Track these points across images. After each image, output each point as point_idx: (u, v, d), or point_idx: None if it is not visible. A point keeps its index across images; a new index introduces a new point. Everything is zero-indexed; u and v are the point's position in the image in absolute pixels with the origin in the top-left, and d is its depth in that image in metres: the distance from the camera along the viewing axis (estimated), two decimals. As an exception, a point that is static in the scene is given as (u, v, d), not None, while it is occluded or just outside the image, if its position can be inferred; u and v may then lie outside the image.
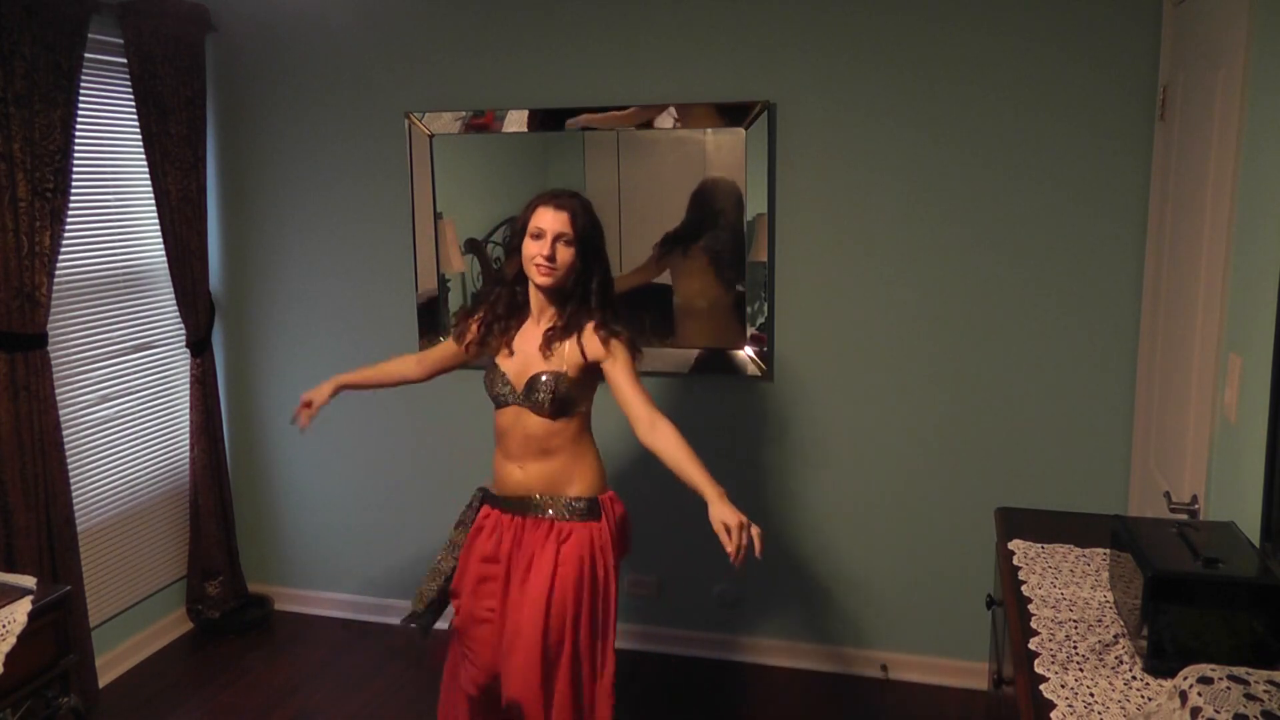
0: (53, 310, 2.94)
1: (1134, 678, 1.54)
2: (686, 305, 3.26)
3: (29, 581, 2.22)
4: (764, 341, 3.20)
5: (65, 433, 3.05)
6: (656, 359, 3.25)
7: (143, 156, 3.29)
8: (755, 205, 3.12)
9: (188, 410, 3.60)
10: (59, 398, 3.01)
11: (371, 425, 3.65)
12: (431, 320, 3.48)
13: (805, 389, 3.22)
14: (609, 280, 2.36)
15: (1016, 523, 2.21)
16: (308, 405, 2.60)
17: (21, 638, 2.08)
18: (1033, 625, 1.73)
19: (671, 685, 3.31)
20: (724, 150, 3.12)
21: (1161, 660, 1.51)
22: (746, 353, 3.22)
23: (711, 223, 3.18)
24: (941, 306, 3.07)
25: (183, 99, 3.36)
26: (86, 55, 2.96)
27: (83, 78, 2.93)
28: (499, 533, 2.38)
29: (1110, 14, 2.79)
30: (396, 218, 3.46)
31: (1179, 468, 2.27)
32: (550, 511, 2.32)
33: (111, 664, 3.35)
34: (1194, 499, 2.07)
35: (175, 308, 3.50)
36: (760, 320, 3.19)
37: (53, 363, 2.98)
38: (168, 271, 3.42)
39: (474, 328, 2.43)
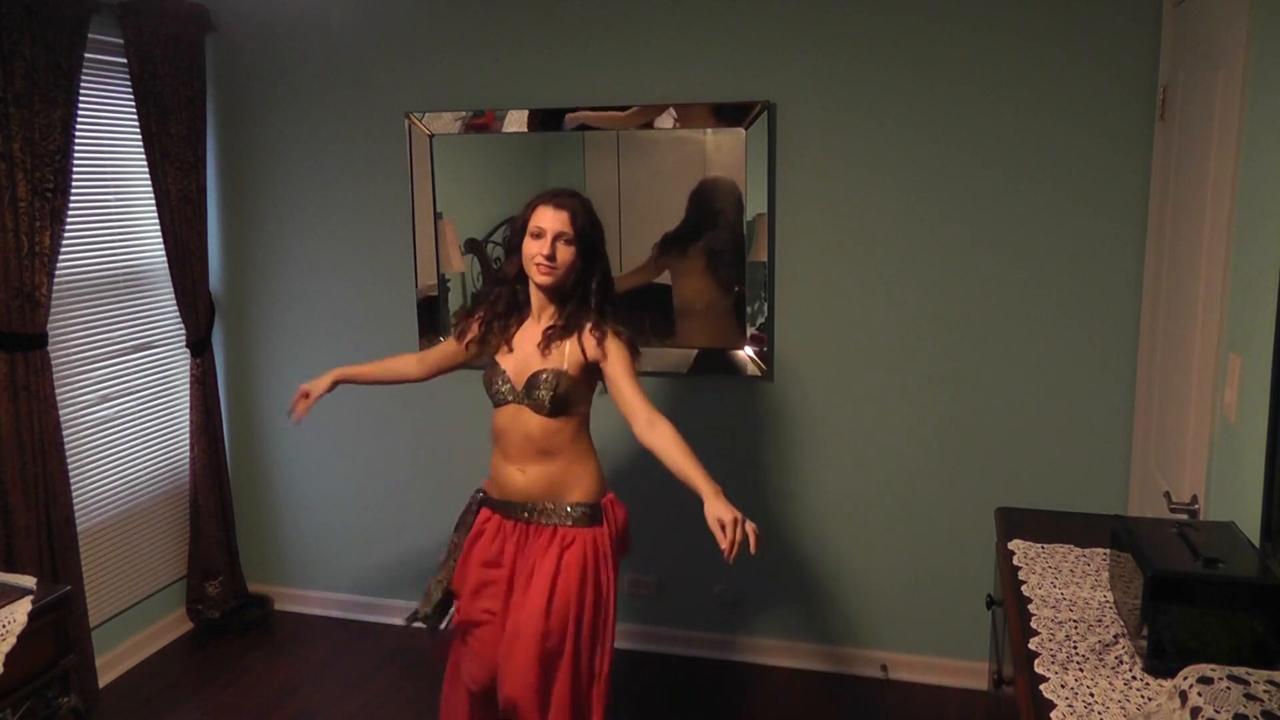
0: (53, 310, 2.94)
1: (1134, 678, 1.54)
2: (686, 305, 3.26)
3: (29, 581, 2.22)
4: (764, 341, 3.20)
5: (65, 433, 3.05)
6: (656, 359, 3.25)
7: (143, 156, 3.29)
8: (755, 205, 3.12)
9: (188, 410, 3.61)
10: (59, 398, 3.01)
11: (371, 425, 3.65)
12: (431, 320, 3.48)
13: (805, 389, 3.22)
14: (609, 279, 2.36)
15: (1016, 523, 2.21)
16: (305, 396, 2.60)
17: (21, 638, 2.08)
18: (1033, 625, 1.73)
19: (671, 685, 3.31)
20: (724, 150, 3.12)
21: (1161, 660, 1.51)
22: (746, 353, 3.22)
23: (711, 223, 3.18)
24: (941, 306, 3.07)
25: (183, 99, 3.36)
26: (86, 55, 2.96)
27: (83, 78, 2.93)
28: (501, 538, 2.39)
29: (1110, 14, 2.79)
30: (396, 218, 3.46)
31: (1179, 468, 2.27)
32: (553, 518, 2.33)
33: (111, 664, 3.35)
34: (1194, 499, 2.07)
35: (175, 308, 3.50)
36: (760, 320, 3.19)
37: (53, 363, 2.98)
38: (168, 271, 3.42)
39: (475, 326, 2.44)
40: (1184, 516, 2.01)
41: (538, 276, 2.28)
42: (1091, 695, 1.50)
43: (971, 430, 3.11)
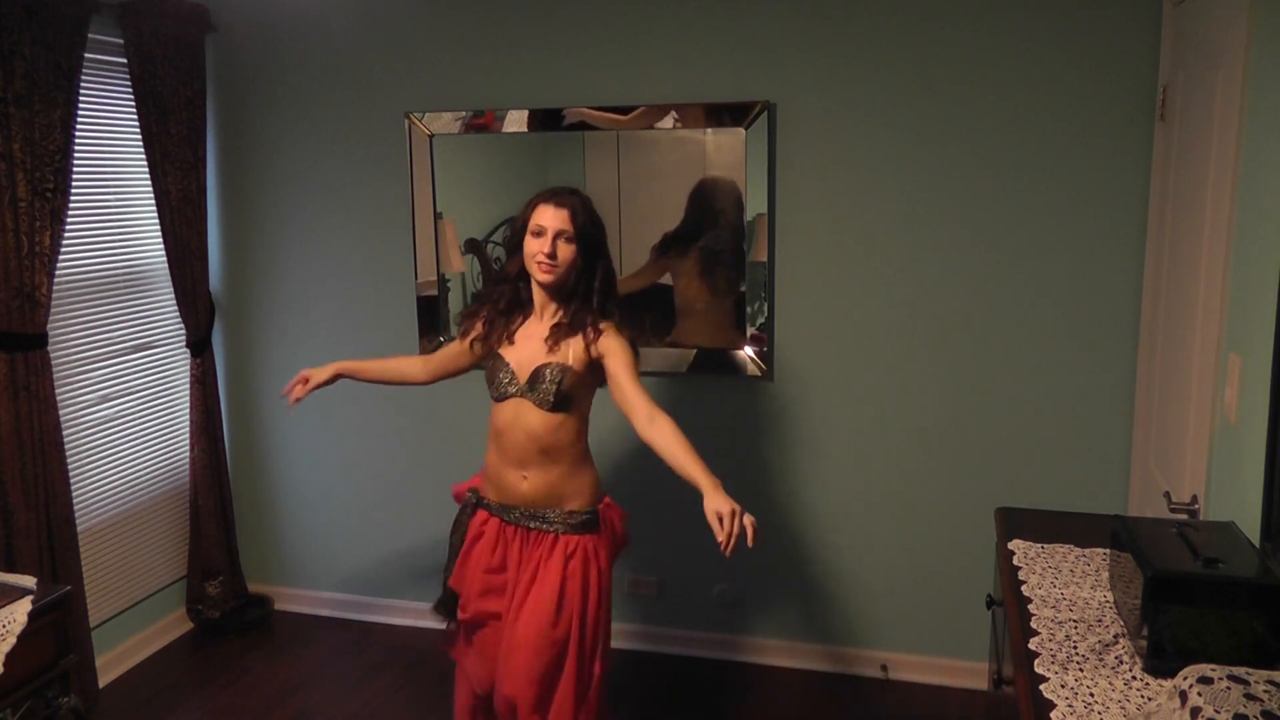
0: (53, 310, 2.94)
1: (1134, 678, 1.54)
2: (686, 305, 3.26)
3: (29, 581, 2.22)
4: (764, 341, 3.20)
5: (65, 433, 3.05)
6: (656, 358, 3.25)
7: (143, 156, 3.29)
8: (755, 205, 3.12)
9: (188, 410, 3.60)
10: (59, 398, 3.01)
11: (372, 426, 3.65)
12: (431, 320, 3.48)
13: (805, 389, 3.22)
14: (611, 277, 2.37)
15: (1016, 523, 2.21)
16: (304, 381, 2.60)
17: (21, 638, 2.08)
18: (1033, 625, 1.73)
19: (671, 685, 3.31)
20: (724, 150, 3.12)
21: (1161, 660, 1.51)
22: (746, 353, 3.22)
23: (711, 222, 3.18)
24: (941, 306, 3.07)
25: (183, 99, 3.36)
26: (86, 55, 2.96)
27: (83, 78, 2.93)
28: (503, 543, 2.39)
29: (1110, 14, 2.79)
30: (396, 218, 3.46)
31: (1179, 468, 2.27)
32: (554, 525, 2.33)
33: (111, 664, 3.35)
34: (1194, 499, 2.07)
35: (175, 308, 3.50)
36: (760, 320, 3.19)
37: (53, 363, 2.98)
38: (168, 271, 3.42)
39: (478, 325, 2.44)
40: (1184, 516, 2.01)
41: (539, 275, 2.28)
42: (1091, 695, 1.50)
43: (971, 430, 3.11)
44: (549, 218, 2.26)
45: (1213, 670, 1.26)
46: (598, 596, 2.34)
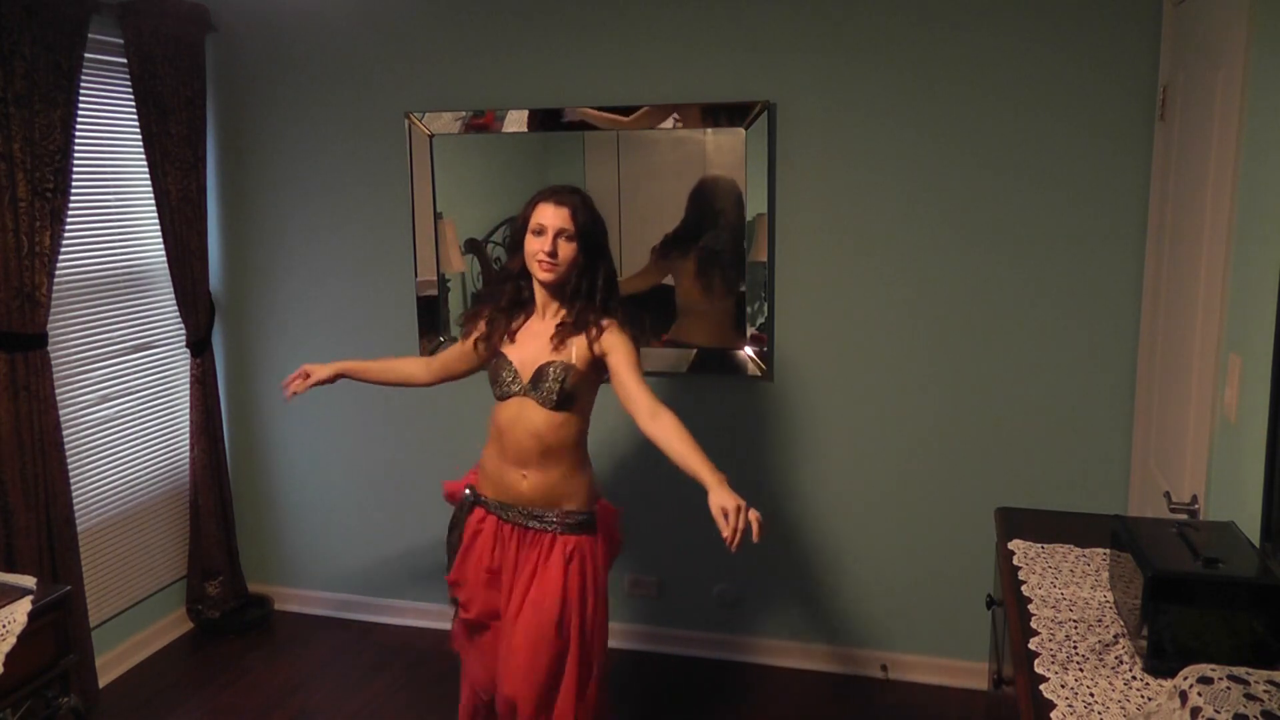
0: (53, 310, 2.94)
1: (1134, 678, 1.54)
2: (687, 305, 3.26)
3: (29, 581, 2.22)
4: (764, 341, 3.20)
5: (65, 433, 3.05)
6: (656, 358, 3.25)
7: (143, 156, 3.29)
8: (755, 205, 3.12)
9: (188, 410, 3.61)
10: (59, 398, 3.01)
11: (372, 426, 3.65)
12: (431, 320, 3.48)
13: (805, 389, 3.22)
14: (613, 274, 2.38)
15: (1016, 523, 2.21)
16: (305, 376, 2.60)
17: (21, 638, 2.08)
18: (1033, 625, 1.73)
19: (671, 685, 3.31)
20: (724, 150, 3.12)
21: (1161, 660, 1.51)
22: (746, 353, 3.22)
23: (711, 222, 3.18)
24: (941, 306, 3.07)
25: (183, 99, 3.36)
26: (86, 55, 2.96)
27: (83, 78, 2.93)
28: (501, 543, 2.39)
29: (1110, 14, 2.79)
30: (396, 218, 3.46)
31: (1179, 468, 2.27)
32: (552, 525, 2.33)
33: (111, 664, 3.35)
34: (1194, 499, 2.07)
35: (175, 308, 3.50)
36: (760, 320, 3.19)
37: (53, 363, 2.98)
38: (168, 271, 3.42)
39: (480, 324, 2.44)
40: (1184, 516, 2.01)
41: (540, 274, 2.29)
42: (1091, 695, 1.50)
43: (971, 430, 3.11)
44: (549, 216, 2.26)
45: (1213, 670, 1.26)
46: (595, 597, 2.35)
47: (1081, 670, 1.57)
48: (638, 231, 3.22)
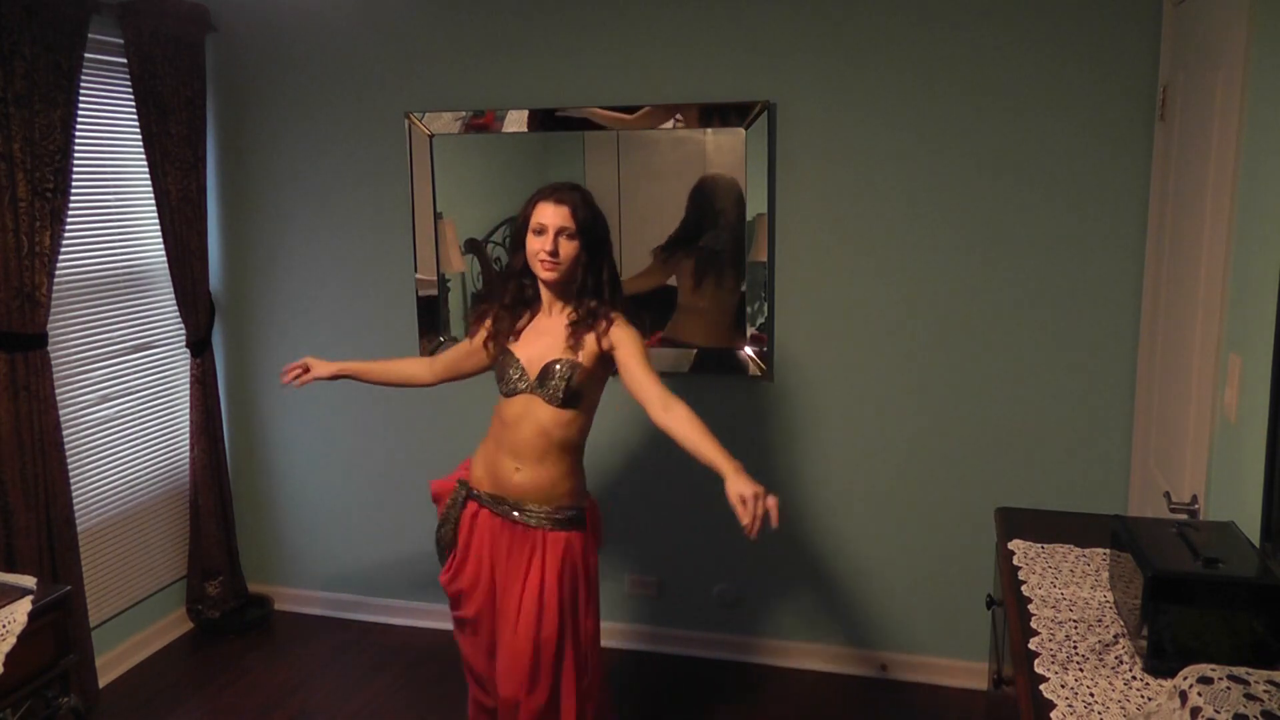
0: (53, 310, 2.94)
1: (1134, 678, 1.54)
2: (687, 305, 3.26)
3: (29, 581, 2.22)
4: (764, 341, 3.20)
5: (65, 433, 3.05)
6: (656, 358, 3.23)
7: (143, 156, 3.29)
8: (755, 205, 3.12)
9: (188, 410, 3.60)
10: (59, 398, 3.01)
11: (372, 426, 3.65)
12: (431, 320, 3.48)
13: (805, 389, 3.22)
14: (616, 271, 2.38)
15: (1016, 523, 2.21)
16: (305, 369, 2.60)
17: (21, 638, 2.08)
18: (1033, 625, 1.73)
19: (671, 685, 3.31)
20: (724, 150, 3.12)
21: (1161, 660, 1.51)
22: (747, 352, 3.22)
23: (711, 222, 3.18)
24: (941, 306, 3.07)
25: (183, 99, 3.36)
26: (86, 55, 2.96)
27: (83, 78, 2.93)
28: (491, 535, 2.39)
29: (1110, 14, 2.79)
30: (396, 218, 3.46)
31: (1179, 468, 2.27)
32: (542, 520, 2.34)
33: (111, 664, 3.35)
34: (1194, 499, 2.07)
35: (175, 308, 3.50)
36: (760, 320, 3.19)
37: (53, 363, 2.98)
38: (168, 271, 3.42)
39: (487, 323, 2.44)
40: (1184, 516, 2.01)
41: (542, 273, 2.29)
42: (1091, 695, 1.50)
43: (972, 430, 3.11)
44: (550, 215, 2.26)
45: (1213, 670, 1.26)
46: (586, 591, 2.37)
47: (1081, 670, 1.57)
48: (638, 231, 3.22)
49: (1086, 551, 2.03)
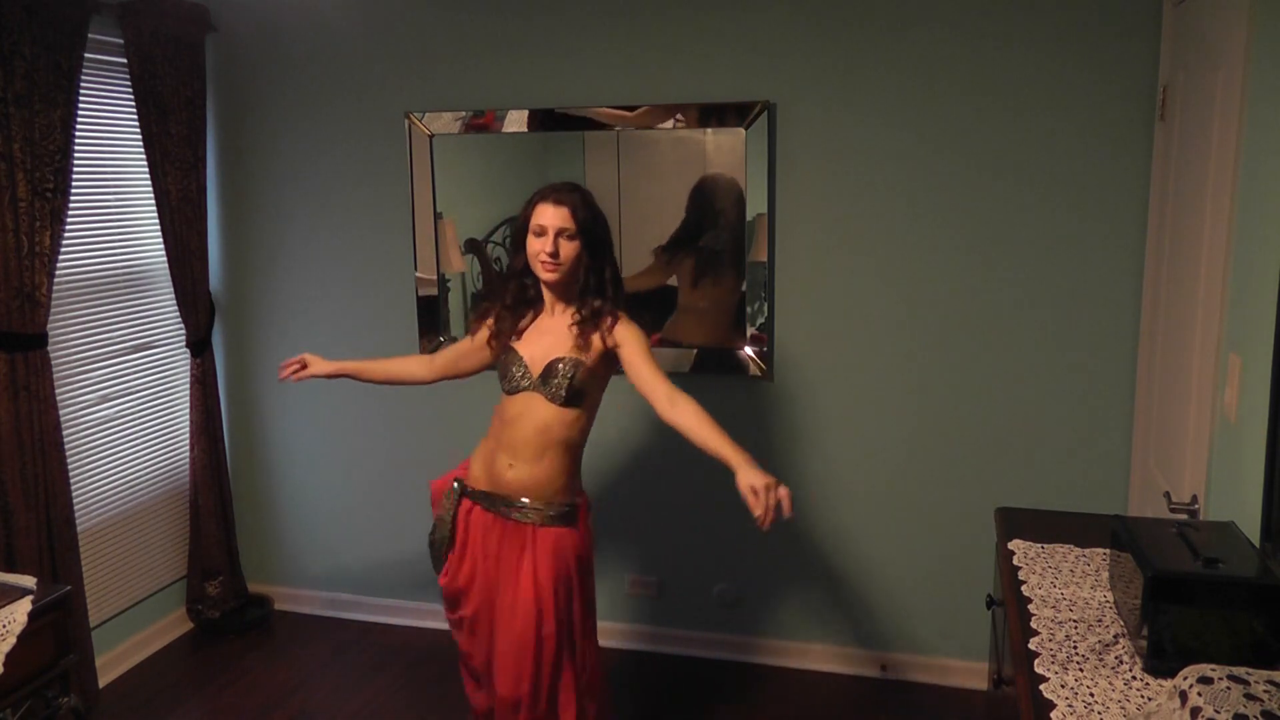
0: (53, 310, 2.94)
1: (1134, 678, 1.54)
2: (687, 304, 3.26)
3: (29, 581, 2.22)
4: (764, 341, 3.20)
5: (65, 433, 3.05)
6: (657, 358, 3.24)
7: (143, 156, 3.29)
8: (755, 205, 3.12)
9: (188, 410, 3.60)
10: (59, 398, 3.01)
11: (372, 426, 3.65)
12: (431, 320, 3.48)
13: (805, 389, 3.22)
14: (618, 270, 2.39)
15: (1016, 523, 2.21)
16: (304, 366, 2.60)
17: (21, 638, 2.08)
18: (1033, 625, 1.73)
19: (671, 685, 3.31)
20: (724, 150, 3.12)
21: (1161, 660, 1.51)
22: (747, 352, 3.22)
23: (712, 222, 3.18)
24: (941, 306, 3.07)
25: (183, 99, 3.36)
26: (86, 55, 2.96)
27: (83, 78, 2.93)
28: (483, 532, 2.40)
29: (1110, 14, 2.79)
30: (396, 218, 3.46)
31: (1179, 468, 2.27)
32: (532, 516, 2.34)
33: (111, 664, 3.35)
34: (1194, 499, 2.07)
35: (175, 308, 3.50)
36: (760, 320, 3.19)
37: (53, 363, 2.98)
38: (168, 271, 3.42)
39: (490, 322, 2.44)
40: (1184, 516, 2.01)
41: (543, 274, 2.30)
42: (1091, 695, 1.50)
43: (971, 430, 3.11)
44: (549, 216, 2.26)
45: (1213, 670, 1.26)
46: (581, 588, 2.36)
47: (1081, 670, 1.57)
48: (638, 231, 3.22)
49: (1086, 551, 2.03)
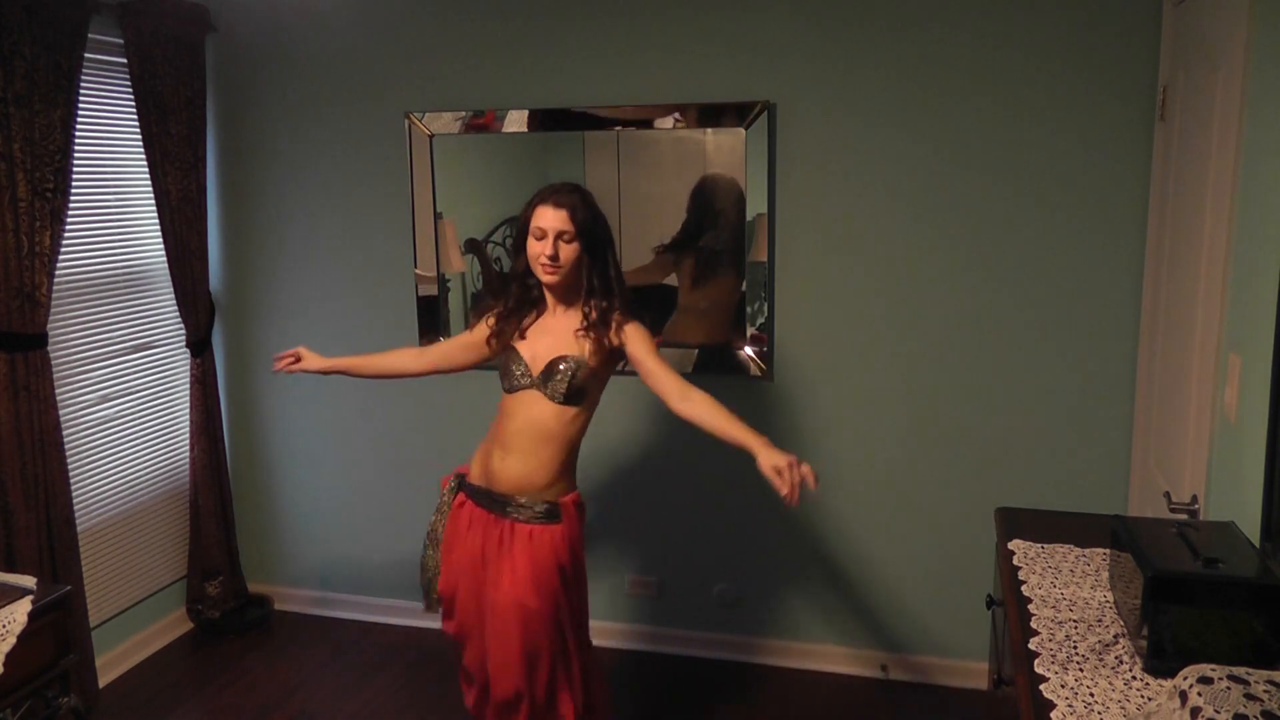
0: (53, 310, 2.94)
1: (1134, 678, 1.54)
2: (687, 304, 3.26)
3: (29, 581, 2.22)
4: (764, 341, 3.20)
5: (65, 433, 3.05)
6: (657, 359, 3.25)
7: (143, 156, 3.29)
8: (755, 205, 3.12)
9: (188, 410, 3.60)
10: (59, 398, 3.01)
11: (372, 426, 3.65)
12: (431, 320, 3.48)
13: (805, 389, 3.22)
14: (620, 269, 2.39)
15: (1016, 523, 2.21)
16: (297, 359, 2.59)
17: (21, 638, 2.08)
18: (1033, 625, 1.73)
19: (671, 685, 3.31)
20: (724, 150, 3.12)
21: (1161, 660, 1.51)
22: (747, 352, 3.22)
23: (712, 222, 3.18)
24: (941, 306, 3.07)
25: (183, 99, 3.36)
26: (86, 55, 2.96)
27: (83, 78, 2.93)
28: (474, 528, 2.40)
29: (1110, 14, 2.79)
30: (396, 218, 3.46)
31: (1179, 468, 2.27)
32: (518, 514, 2.34)
33: (111, 664, 3.35)
34: (1194, 499, 2.07)
35: (175, 308, 3.50)
36: (760, 320, 3.19)
37: (53, 363, 2.98)
38: (168, 271, 3.42)
39: (491, 320, 2.45)
40: (1184, 516, 2.01)
41: (543, 276, 2.30)
42: (1091, 695, 1.50)
43: (972, 430, 3.11)
44: (549, 219, 2.26)
45: (1213, 670, 1.26)
46: (572, 585, 2.36)
47: (1081, 670, 1.57)
48: (638, 231, 3.22)
49: (1086, 551, 2.03)
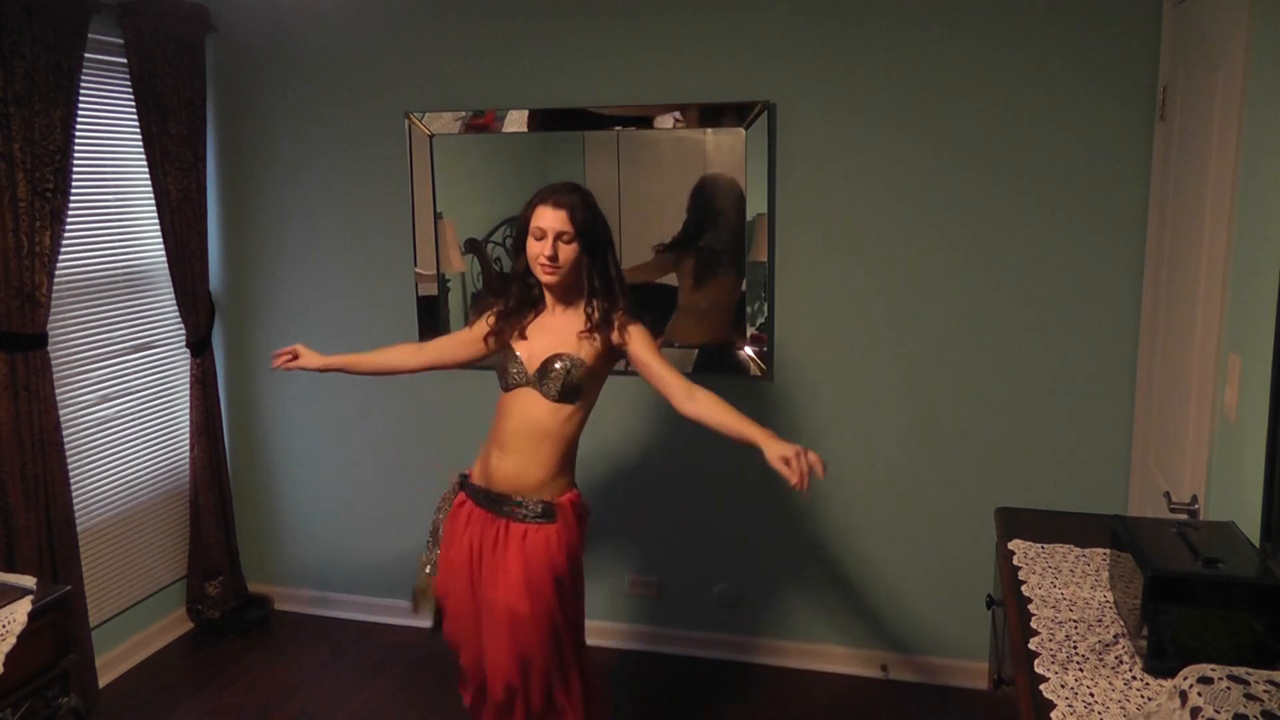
0: (53, 310, 2.94)
1: (1134, 678, 1.54)
2: (687, 304, 3.26)
3: (29, 581, 2.22)
4: (764, 341, 3.20)
5: (65, 433, 3.05)
6: (657, 359, 3.25)
7: (143, 156, 3.29)
8: (755, 205, 3.12)
9: (188, 410, 3.60)
10: (59, 398, 3.01)
11: (373, 426, 3.65)
12: (432, 320, 3.48)
13: (805, 389, 3.22)
14: (620, 269, 2.40)
15: (1016, 523, 2.21)
16: (295, 356, 2.59)
17: (21, 638, 2.08)
18: (1033, 625, 1.73)
19: (671, 685, 3.31)
20: (724, 150, 3.12)
21: (1161, 660, 1.51)
22: (747, 352, 3.22)
23: (712, 222, 3.18)
24: (941, 306, 3.07)
25: (183, 99, 3.36)
26: (86, 55, 2.96)
27: (83, 78, 2.93)
28: (471, 527, 2.40)
29: (1110, 14, 2.79)
30: (396, 218, 3.46)
31: (1179, 468, 2.27)
32: (514, 513, 2.34)
33: (111, 664, 3.35)
34: (1194, 499, 2.07)
35: (175, 308, 3.50)
36: (760, 320, 3.19)
37: (53, 363, 2.98)
38: (168, 271, 3.42)
39: (491, 319, 2.45)
40: (1184, 516, 2.01)
41: (542, 276, 2.30)
42: (1091, 695, 1.50)
43: (972, 430, 3.11)
44: (548, 219, 2.26)
45: (1213, 670, 1.26)
46: (567, 584, 2.35)
47: (1081, 670, 1.57)
48: (638, 231, 3.22)
49: (1086, 551, 2.03)
